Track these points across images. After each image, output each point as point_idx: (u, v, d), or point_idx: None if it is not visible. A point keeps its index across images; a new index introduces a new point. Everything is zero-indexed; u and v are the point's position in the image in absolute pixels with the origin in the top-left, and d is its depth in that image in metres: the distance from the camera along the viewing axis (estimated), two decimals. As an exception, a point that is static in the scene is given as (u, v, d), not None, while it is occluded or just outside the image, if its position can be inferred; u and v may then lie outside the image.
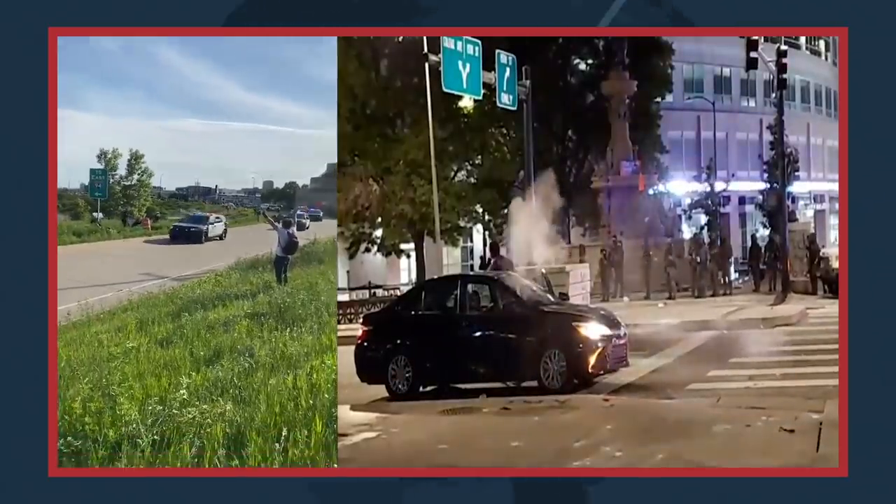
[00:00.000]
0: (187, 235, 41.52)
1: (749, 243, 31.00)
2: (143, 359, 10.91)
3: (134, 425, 7.14)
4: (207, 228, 43.42)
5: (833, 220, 49.75)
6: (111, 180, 50.00)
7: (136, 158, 52.58)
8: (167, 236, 43.07)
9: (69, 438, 6.92)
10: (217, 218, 47.00)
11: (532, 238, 19.57)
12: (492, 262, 17.38)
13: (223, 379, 9.24)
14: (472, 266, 38.80)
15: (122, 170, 52.12)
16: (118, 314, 16.64)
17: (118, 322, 15.07)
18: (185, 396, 8.01)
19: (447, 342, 11.91)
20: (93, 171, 48.31)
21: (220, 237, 44.32)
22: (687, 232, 36.28)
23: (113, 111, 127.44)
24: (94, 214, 49.34)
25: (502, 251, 17.02)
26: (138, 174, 52.95)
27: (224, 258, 28.29)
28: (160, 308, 16.66)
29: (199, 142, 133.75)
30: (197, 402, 7.88)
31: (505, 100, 23.19)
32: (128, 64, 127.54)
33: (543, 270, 18.66)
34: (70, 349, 11.94)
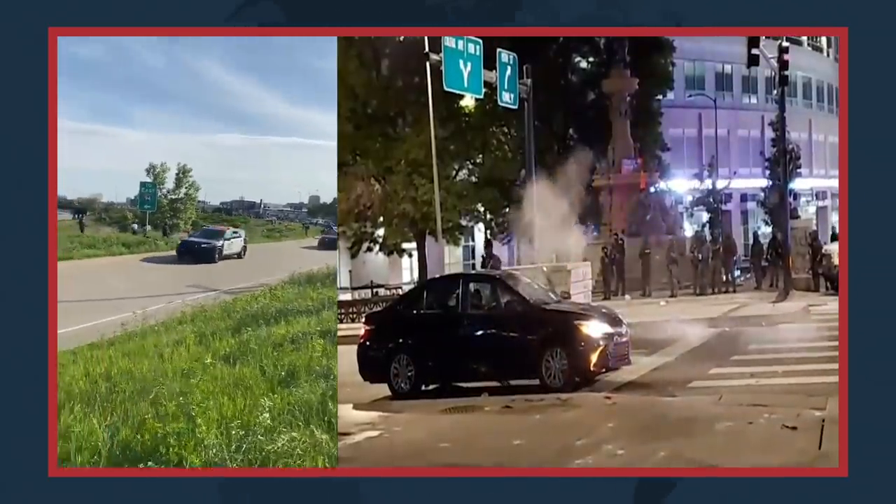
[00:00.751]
0: (196, 253, 34.82)
1: (751, 240, 30.98)
2: (208, 376, 10.17)
3: (215, 450, 6.80)
4: (222, 245, 36.44)
5: (835, 217, 49.68)
6: (158, 193, 49.59)
7: (184, 172, 52.14)
8: (173, 252, 36.78)
9: (150, 463, 6.66)
10: (235, 232, 40.26)
11: (559, 226, 19.64)
12: (490, 261, 17.45)
13: (307, 402, 8.53)
14: (473, 265, 38.81)
15: (169, 183, 51.88)
16: (174, 327, 15.82)
17: (175, 335, 14.24)
18: (269, 422, 7.54)
19: (449, 341, 11.95)
20: (143, 185, 47.72)
21: (239, 255, 37.87)
22: (689, 230, 36.32)
23: (157, 127, 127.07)
24: (134, 226, 48.27)
25: (495, 248, 17.22)
26: (185, 188, 52.39)
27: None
28: (217, 322, 15.79)
29: (244, 156, 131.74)
30: (283, 428, 7.40)
31: (506, 98, 23.25)
32: (172, 80, 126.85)
33: (545, 268, 18.72)
34: (130, 361, 11.40)
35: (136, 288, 23.42)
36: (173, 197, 51.65)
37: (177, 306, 18.67)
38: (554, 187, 21.78)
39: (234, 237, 38.74)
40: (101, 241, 38.53)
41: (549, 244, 21.26)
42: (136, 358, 11.73)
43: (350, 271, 33.99)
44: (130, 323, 15.53)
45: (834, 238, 25.40)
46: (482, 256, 29.37)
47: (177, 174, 51.90)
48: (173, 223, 50.79)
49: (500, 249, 31.07)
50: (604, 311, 12.38)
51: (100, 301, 19.78)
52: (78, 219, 49.08)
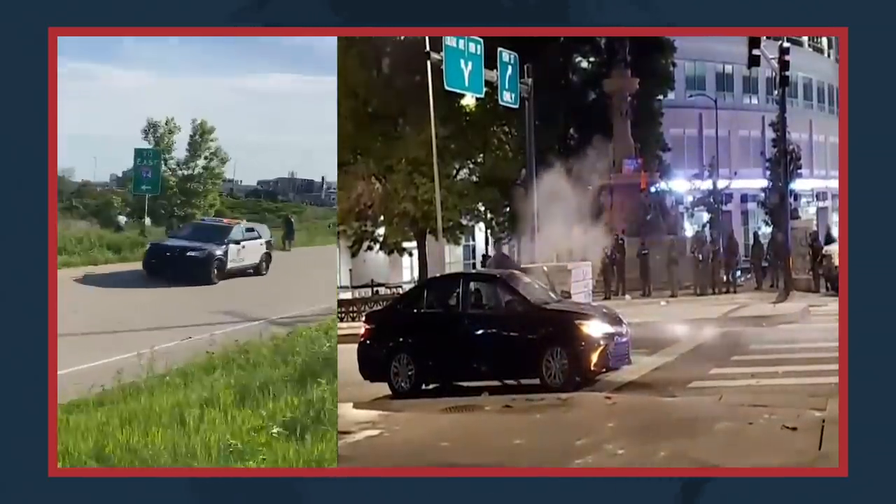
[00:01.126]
0: (177, 265, 20.67)
1: (751, 241, 30.98)
2: (270, 456, 7.24)
3: None
4: (226, 251, 21.73)
5: (836, 218, 49.64)
6: (163, 167, 31.53)
7: (202, 133, 33.17)
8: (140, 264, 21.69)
9: None
10: (250, 230, 23.93)
11: (575, 221, 19.56)
12: (505, 260, 17.36)
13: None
14: (474, 264, 38.78)
15: (180, 152, 33.27)
16: (197, 376, 10.92)
17: (201, 390, 9.79)
18: None
19: (449, 340, 11.96)
20: (138, 153, 30.48)
21: (257, 269, 23.28)
22: (689, 230, 36.32)
23: (161, 64, 78.20)
24: (122, 218, 31.50)
25: (504, 248, 17.26)
26: (205, 158, 33.43)
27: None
28: (265, 369, 10.97)
29: (296, 109, 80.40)
30: None
31: (507, 98, 23.29)
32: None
33: (545, 268, 18.72)
34: (135, 432, 7.91)
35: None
36: (186, 172, 33.46)
37: (199, 344, 13.09)
38: (568, 180, 21.83)
39: (248, 238, 23.24)
40: (75, 243, 24.07)
41: (563, 242, 21.26)
42: (144, 426, 8.20)
43: (350, 270, 33.98)
44: (129, 370, 10.72)
45: (829, 240, 25.36)
46: (483, 256, 29.35)
47: (192, 137, 33.34)
48: (185, 213, 32.85)
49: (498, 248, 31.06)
50: (604, 310, 12.39)
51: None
52: None
